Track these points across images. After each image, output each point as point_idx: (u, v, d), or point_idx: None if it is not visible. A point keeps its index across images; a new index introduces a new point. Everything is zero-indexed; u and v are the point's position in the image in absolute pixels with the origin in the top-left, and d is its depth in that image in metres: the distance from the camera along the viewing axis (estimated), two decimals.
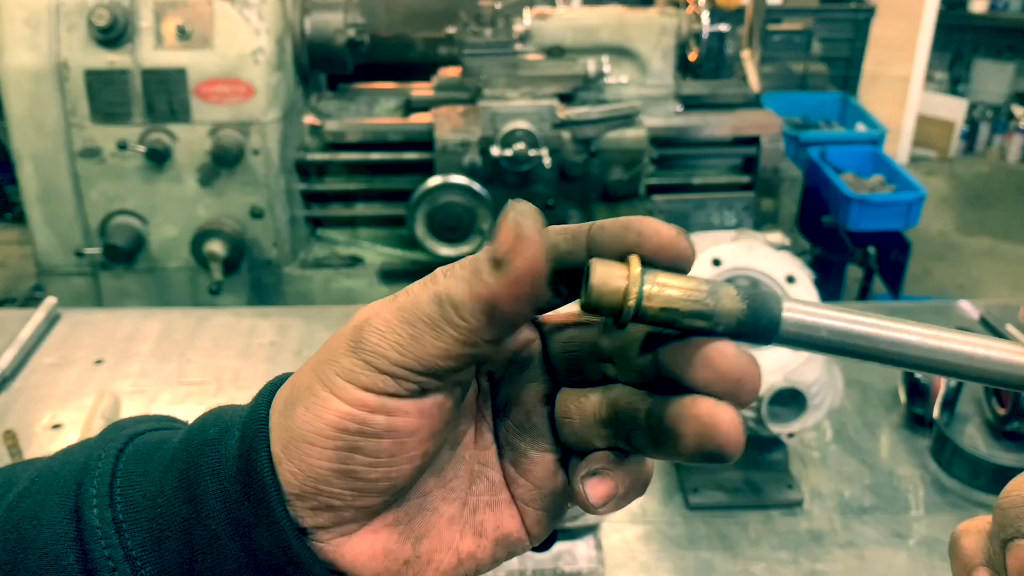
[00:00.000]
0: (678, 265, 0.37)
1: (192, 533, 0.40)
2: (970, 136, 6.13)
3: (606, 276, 0.35)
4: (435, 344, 0.37)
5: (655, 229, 0.37)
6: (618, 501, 0.42)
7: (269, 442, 0.39)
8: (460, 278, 0.37)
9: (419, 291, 0.38)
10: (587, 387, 0.43)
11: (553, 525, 0.47)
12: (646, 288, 0.35)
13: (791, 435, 1.17)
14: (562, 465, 0.44)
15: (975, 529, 0.43)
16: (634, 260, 0.36)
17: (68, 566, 0.40)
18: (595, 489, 0.41)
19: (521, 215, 0.35)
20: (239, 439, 0.40)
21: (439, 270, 0.39)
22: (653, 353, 0.38)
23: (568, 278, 0.39)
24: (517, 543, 0.45)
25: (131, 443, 0.43)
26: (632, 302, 0.35)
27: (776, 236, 1.31)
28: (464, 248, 2.46)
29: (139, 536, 0.40)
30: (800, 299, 0.38)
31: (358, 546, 0.40)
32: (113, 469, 0.42)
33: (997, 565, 0.40)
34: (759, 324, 0.36)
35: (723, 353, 0.36)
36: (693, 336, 0.37)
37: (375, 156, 2.58)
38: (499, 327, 0.37)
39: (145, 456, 0.42)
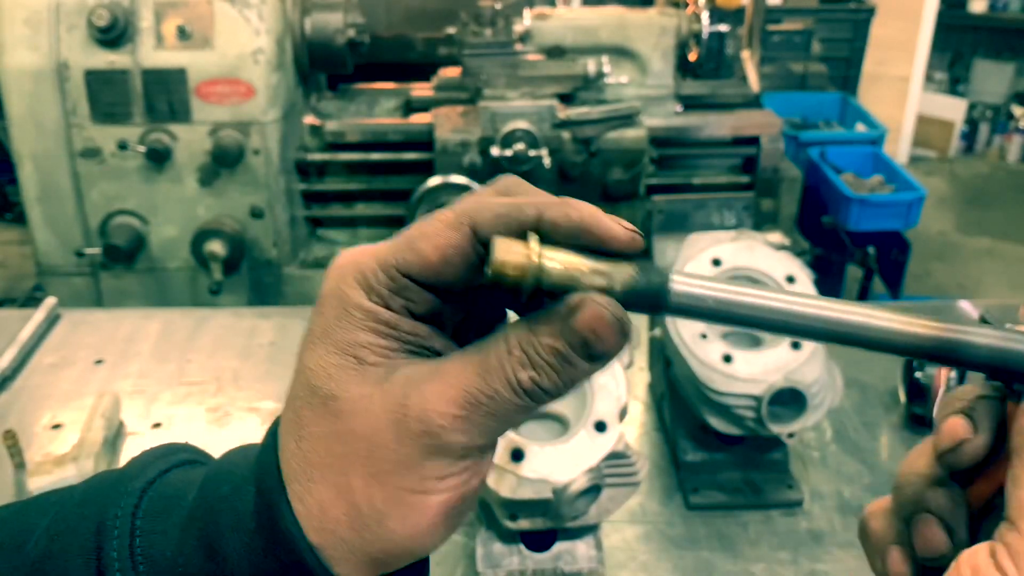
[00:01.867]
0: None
1: None
2: (970, 136, 6.13)
3: (506, 252, 0.38)
4: (526, 416, 0.40)
5: (614, 234, 0.40)
6: None
7: (287, 496, 0.40)
8: (543, 369, 0.39)
9: (480, 383, 0.39)
10: None
11: None
12: (544, 264, 0.38)
13: (791, 435, 1.17)
14: None
15: (880, 511, 0.45)
16: (533, 238, 0.39)
17: None
18: None
19: (618, 315, 0.38)
20: (255, 494, 0.41)
21: (490, 353, 0.40)
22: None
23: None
24: None
25: (146, 496, 0.44)
26: (529, 282, 0.38)
27: (776, 236, 1.31)
28: None
29: None
30: (692, 273, 0.41)
31: None
32: (131, 529, 0.42)
33: (905, 542, 0.42)
34: (648, 294, 0.40)
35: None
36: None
37: (375, 156, 2.58)
38: None
39: (163, 512, 0.43)
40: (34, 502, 0.47)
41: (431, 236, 0.40)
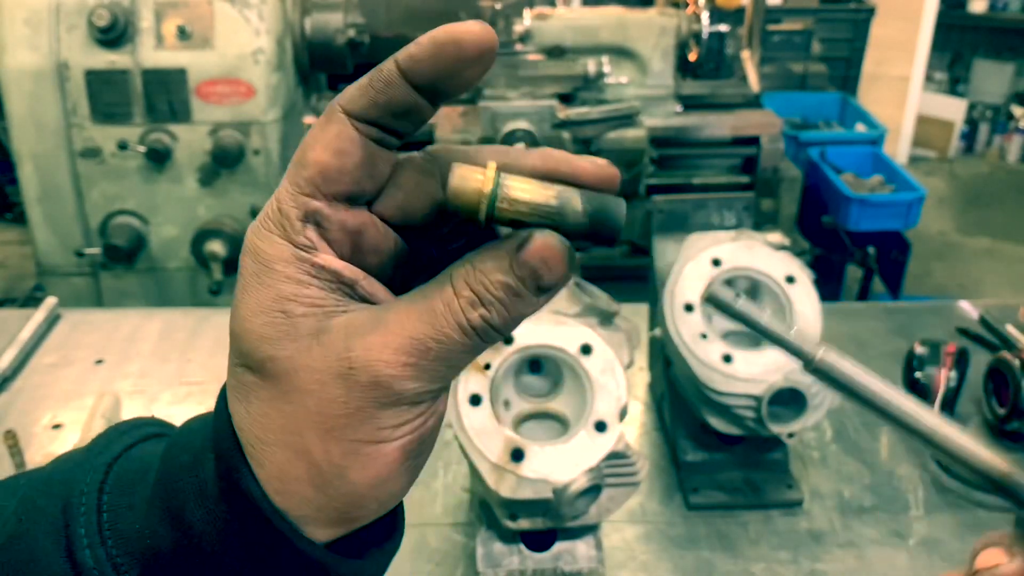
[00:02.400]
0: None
1: (187, 560, 0.40)
2: (969, 136, 6.13)
3: (464, 178, 0.38)
4: (477, 354, 0.39)
5: (468, 31, 0.39)
6: None
7: (245, 457, 0.39)
8: (493, 306, 0.38)
9: (428, 329, 0.38)
10: None
11: None
12: (500, 191, 0.38)
13: (791, 435, 1.17)
14: None
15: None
16: (491, 166, 0.39)
17: None
18: None
19: (564, 244, 0.38)
20: (215, 460, 0.40)
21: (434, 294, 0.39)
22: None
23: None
24: None
25: (112, 471, 0.43)
26: (485, 205, 0.38)
27: (776, 236, 1.31)
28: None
29: (136, 569, 0.41)
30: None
31: None
32: (98, 505, 0.42)
33: None
34: (603, 225, 0.39)
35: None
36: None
37: None
38: None
39: (129, 486, 0.42)
40: (3, 483, 0.46)
41: (316, 141, 0.39)
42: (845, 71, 4.63)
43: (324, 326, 0.38)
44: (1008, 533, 0.47)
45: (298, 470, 0.39)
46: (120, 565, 0.40)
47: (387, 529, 0.44)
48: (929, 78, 5.97)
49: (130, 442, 0.46)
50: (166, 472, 0.41)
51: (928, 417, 0.46)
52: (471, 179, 0.38)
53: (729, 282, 1.16)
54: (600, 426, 0.94)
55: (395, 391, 0.38)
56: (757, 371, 1.10)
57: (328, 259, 0.39)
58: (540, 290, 0.38)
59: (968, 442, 0.46)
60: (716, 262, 1.16)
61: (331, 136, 0.39)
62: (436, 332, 0.38)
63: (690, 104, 2.75)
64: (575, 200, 0.39)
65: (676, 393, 1.22)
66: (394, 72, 0.40)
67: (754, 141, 2.65)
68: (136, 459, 0.44)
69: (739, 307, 0.49)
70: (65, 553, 0.41)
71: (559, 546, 1.01)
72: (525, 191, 0.38)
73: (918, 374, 1.35)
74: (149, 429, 0.48)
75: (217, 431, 0.41)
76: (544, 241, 0.38)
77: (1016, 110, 6.07)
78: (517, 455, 0.92)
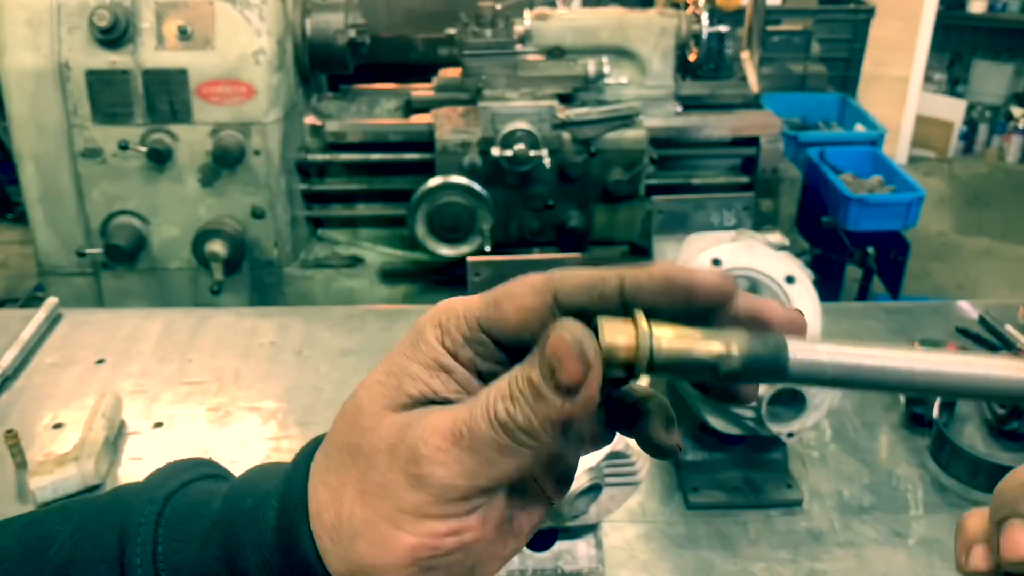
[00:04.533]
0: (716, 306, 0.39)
1: None
2: (969, 137, 6.13)
3: (614, 333, 0.37)
4: (509, 464, 0.39)
5: (705, 282, 0.38)
6: None
7: (308, 517, 0.41)
8: (518, 401, 0.38)
9: (467, 416, 0.39)
10: None
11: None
12: (655, 343, 0.37)
13: (791, 435, 1.17)
14: None
15: (980, 513, 0.46)
16: (639, 315, 0.38)
17: None
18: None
19: (577, 337, 0.37)
20: (278, 510, 0.41)
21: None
22: None
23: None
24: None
25: (169, 504, 0.44)
26: (642, 355, 0.37)
27: (775, 236, 1.32)
28: (464, 248, 2.47)
29: None
30: (805, 339, 0.39)
31: None
32: (154, 536, 0.43)
33: (993, 544, 0.43)
34: (766, 360, 0.37)
35: None
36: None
37: (376, 156, 2.58)
38: (572, 437, 0.40)
39: (185, 521, 0.44)
40: (57, 509, 0.47)
41: (515, 297, 0.41)
42: (844, 71, 4.62)
43: (413, 407, 0.41)
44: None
45: (328, 515, 0.40)
46: None
47: None
48: (928, 78, 5.97)
49: (188, 479, 0.47)
50: (227, 513, 0.42)
51: (929, 360, 0.39)
52: (622, 333, 0.37)
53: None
54: None
55: (423, 471, 0.39)
56: None
57: (464, 374, 0.42)
58: (559, 389, 0.37)
59: (1009, 368, 0.39)
60: (716, 262, 1.17)
61: (529, 305, 0.40)
62: (470, 419, 0.39)
63: (690, 104, 2.75)
64: (737, 341, 0.37)
65: (676, 393, 1.23)
66: (616, 293, 0.39)
67: (754, 141, 2.66)
68: (194, 495, 0.45)
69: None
70: None
71: (559, 546, 1.01)
72: (685, 340, 0.37)
73: None
74: (206, 469, 0.49)
75: (289, 480, 0.42)
76: (556, 335, 0.37)
77: (1015, 110, 6.07)
78: None
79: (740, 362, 0.37)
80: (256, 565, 0.41)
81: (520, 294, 0.41)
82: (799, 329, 0.39)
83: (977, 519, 0.45)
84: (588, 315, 0.39)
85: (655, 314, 0.38)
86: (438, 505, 0.39)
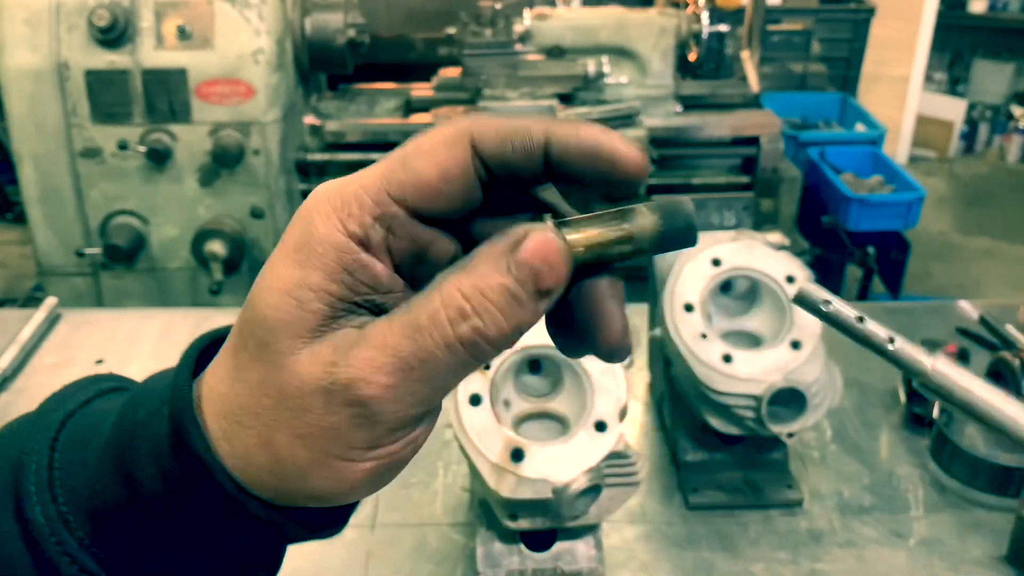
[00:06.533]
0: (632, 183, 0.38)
1: (137, 516, 0.40)
2: (969, 136, 6.13)
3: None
4: (466, 374, 0.37)
5: (624, 155, 0.37)
6: None
7: (196, 416, 0.39)
8: (488, 314, 0.35)
9: (412, 345, 0.35)
10: None
11: None
12: (569, 238, 0.37)
13: (791, 435, 1.17)
14: None
15: None
16: (548, 219, 0.37)
17: (25, 567, 0.40)
18: None
19: (561, 239, 0.36)
20: (168, 416, 0.39)
21: (438, 298, 0.36)
22: None
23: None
24: None
25: (65, 427, 0.42)
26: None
27: (776, 236, 1.32)
28: None
29: (88, 526, 0.40)
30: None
31: None
32: (49, 461, 0.41)
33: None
34: (677, 232, 0.38)
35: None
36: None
37: (375, 156, 2.53)
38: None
39: (81, 442, 0.41)
40: None
41: (429, 153, 0.36)
42: (845, 71, 4.62)
43: (325, 332, 0.37)
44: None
45: (261, 459, 0.38)
46: (70, 522, 0.40)
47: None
48: (929, 78, 5.96)
49: (85, 398, 0.44)
50: (120, 428, 0.40)
51: None
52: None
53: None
54: (600, 426, 0.95)
55: (373, 411, 0.36)
56: (757, 371, 1.10)
57: (372, 261, 0.37)
58: (540, 295, 0.35)
59: None
60: (716, 262, 1.17)
61: (446, 156, 0.36)
62: (420, 350, 0.35)
63: (690, 104, 2.75)
64: (645, 224, 0.37)
65: (676, 393, 1.22)
66: (539, 146, 0.37)
67: (754, 141, 2.66)
68: (92, 415, 0.43)
69: (831, 310, 0.46)
70: (14, 512, 0.40)
71: (559, 546, 1.01)
72: (596, 229, 0.37)
73: None
74: (106, 384, 0.46)
75: (176, 389, 0.40)
76: (544, 240, 0.35)
77: (1016, 110, 6.07)
78: (517, 455, 0.92)
79: (654, 237, 0.38)
80: (151, 475, 0.39)
81: (433, 149, 0.36)
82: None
83: None
84: (499, 175, 0.37)
85: (567, 175, 0.38)
86: (392, 433, 0.37)
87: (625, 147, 0.37)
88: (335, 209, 0.36)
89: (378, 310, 0.38)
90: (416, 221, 0.37)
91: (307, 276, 0.36)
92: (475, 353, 0.36)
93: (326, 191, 0.37)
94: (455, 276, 0.36)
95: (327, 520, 0.43)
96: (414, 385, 0.36)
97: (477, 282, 0.35)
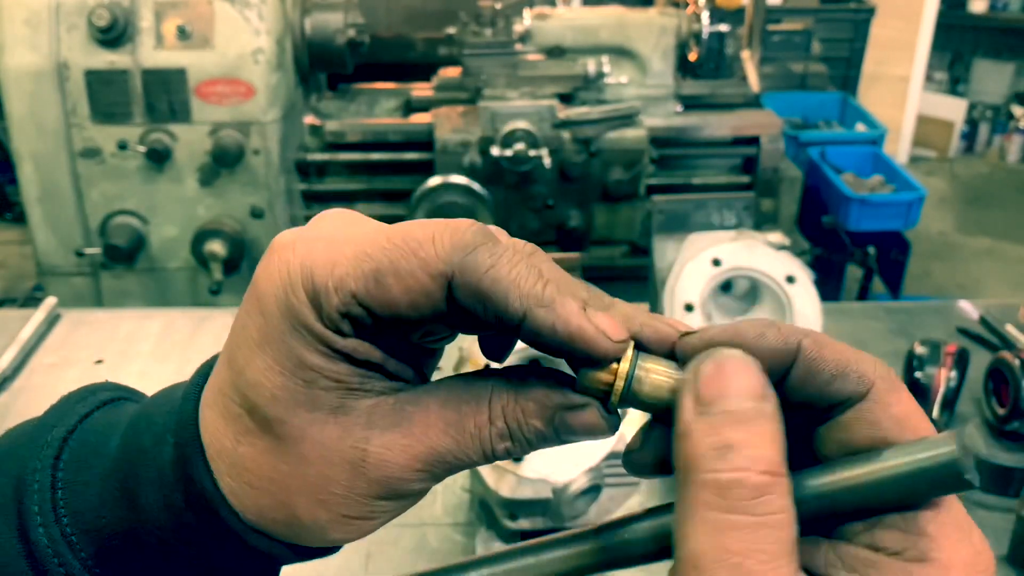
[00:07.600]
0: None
1: (140, 541, 0.40)
2: (970, 136, 6.13)
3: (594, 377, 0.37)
4: None
5: (594, 340, 0.36)
6: None
7: (203, 450, 0.39)
8: (526, 444, 0.39)
9: (453, 447, 0.38)
10: None
11: None
12: (636, 373, 0.36)
13: None
14: None
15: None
16: (629, 346, 0.37)
17: None
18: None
19: (597, 419, 0.38)
20: (173, 445, 0.39)
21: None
22: None
23: None
24: None
25: (67, 445, 0.42)
26: (621, 386, 0.36)
27: (776, 236, 1.31)
28: None
29: (91, 548, 0.40)
30: None
31: None
32: (52, 482, 0.41)
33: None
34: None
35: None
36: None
37: (375, 156, 2.58)
38: None
39: (84, 461, 0.41)
40: None
41: (404, 276, 0.35)
42: (845, 71, 4.62)
43: (345, 405, 0.37)
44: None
45: (277, 515, 0.38)
46: (75, 544, 0.40)
47: None
48: (929, 78, 5.96)
49: (84, 411, 0.44)
50: (125, 452, 0.40)
51: None
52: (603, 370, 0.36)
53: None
54: None
55: (401, 490, 0.38)
56: None
57: (362, 348, 0.37)
58: (568, 442, 0.39)
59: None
60: (716, 262, 1.16)
61: (419, 286, 0.35)
62: (459, 451, 0.38)
63: (690, 104, 2.75)
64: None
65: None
66: (516, 319, 0.36)
67: (754, 141, 2.66)
68: (93, 431, 0.43)
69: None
70: (17, 532, 0.40)
71: None
72: (664, 375, 0.36)
73: (918, 374, 1.35)
74: (105, 394, 0.45)
75: (182, 416, 0.40)
76: (592, 417, 0.37)
77: (1016, 110, 6.06)
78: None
79: None
80: (156, 502, 0.39)
81: (409, 273, 0.35)
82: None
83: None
84: (478, 317, 0.36)
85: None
86: (409, 499, 0.40)
87: (599, 337, 0.36)
88: (310, 299, 0.36)
89: (383, 379, 0.38)
90: (383, 324, 0.37)
91: (306, 358, 0.36)
92: (499, 460, 0.39)
93: (302, 269, 0.36)
94: (505, 401, 0.38)
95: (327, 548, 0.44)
96: (443, 472, 0.38)
97: (523, 418, 0.38)
